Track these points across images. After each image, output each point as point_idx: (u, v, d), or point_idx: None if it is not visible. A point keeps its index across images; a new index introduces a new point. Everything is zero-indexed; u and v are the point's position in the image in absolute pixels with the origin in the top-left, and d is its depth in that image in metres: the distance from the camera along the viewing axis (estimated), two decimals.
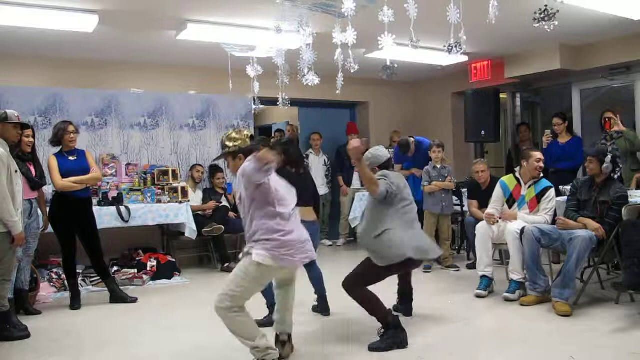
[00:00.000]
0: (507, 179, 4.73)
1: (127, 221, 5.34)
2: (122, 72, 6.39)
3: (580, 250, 3.94)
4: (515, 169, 4.77)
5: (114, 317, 4.30)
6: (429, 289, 4.87)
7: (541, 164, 4.54)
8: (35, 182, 4.30)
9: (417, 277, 5.43)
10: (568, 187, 4.76)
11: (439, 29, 3.67)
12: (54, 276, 5.16)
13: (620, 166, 5.06)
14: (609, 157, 4.22)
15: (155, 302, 4.75)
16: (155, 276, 5.53)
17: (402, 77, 7.34)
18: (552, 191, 4.53)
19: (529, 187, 4.58)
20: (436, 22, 3.62)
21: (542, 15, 2.96)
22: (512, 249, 4.38)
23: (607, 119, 5.44)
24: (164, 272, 5.61)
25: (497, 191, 4.73)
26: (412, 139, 6.02)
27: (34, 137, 4.37)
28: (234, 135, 3.14)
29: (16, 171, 3.71)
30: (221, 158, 3.28)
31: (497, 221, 4.59)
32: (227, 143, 3.12)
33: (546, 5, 2.95)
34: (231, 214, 6.17)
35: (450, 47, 3.24)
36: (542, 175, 4.61)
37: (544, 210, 4.48)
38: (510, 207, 4.65)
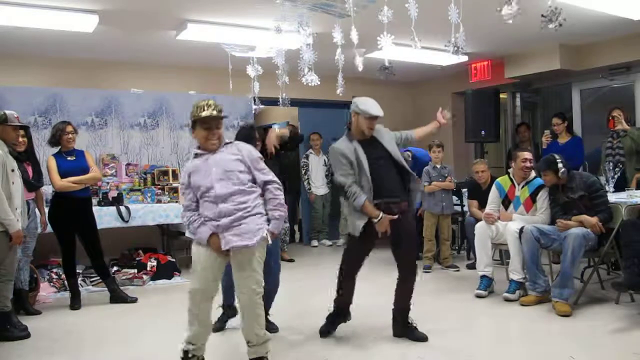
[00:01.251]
0: (502, 180, 4.73)
1: (127, 221, 5.34)
2: (122, 72, 6.39)
3: (574, 248, 3.94)
4: (509, 170, 4.77)
5: (114, 317, 4.30)
6: (429, 289, 4.87)
7: (527, 164, 4.53)
8: (31, 184, 4.29)
9: (417, 277, 5.44)
10: None
11: (438, 28, 3.68)
12: (54, 276, 5.16)
13: (620, 166, 5.05)
14: (559, 163, 4.21)
15: (155, 302, 4.75)
16: (155, 276, 5.53)
17: (402, 77, 7.33)
18: (546, 189, 4.52)
19: (522, 187, 4.59)
20: (436, 22, 3.62)
21: (548, 18, 2.94)
22: (512, 249, 4.37)
23: (611, 117, 5.42)
24: (164, 272, 5.61)
25: (493, 192, 4.74)
26: (409, 154, 5.72)
27: (29, 137, 4.37)
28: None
29: (13, 170, 3.70)
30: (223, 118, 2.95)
31: (496, 220, 4.60)
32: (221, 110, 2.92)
33: (550, 6, 2.94)
34: None
35: (454, 48, 3.24)
36: (534, 174, 4.62)
37: (540, 209, 4.49)
38: (506, 208, 4.65)
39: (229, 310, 3.81)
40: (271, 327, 3.66)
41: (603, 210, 4.10)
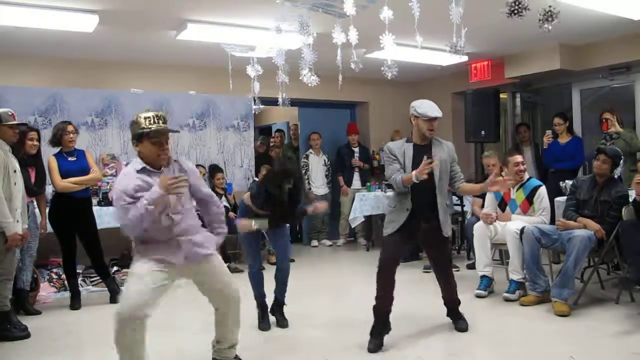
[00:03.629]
0: None
1: None
2: (122, 72, 6.39)
3: (578, 250, 3.95)
4: (502, 174, 4.75)
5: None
6: (429, 289, 4.86)
7: (520, 167, 4.54)
8: (32, 191, 4.27)
9: (417, 277, 5.46)
10: (569, 182, 4.75)
11: (438, 28, 3.68)
12: (54, 276, 5.16)
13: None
14: (622, 161, 4.23)
15: None
16: None
17: (402, 77, 7.31)
18: (542, 189, 4.53)
19: (517, 189, 4.59)
20: (436, 22, 3.62)
21: (545, 17, 2.95)
22: (512, 248, 4.38)
23: (604, 120, 5.45)
24: None
25: (490, 195, 4.75)
26: None
27: (39, 140, 4.36)
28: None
29: (15, 171, 3.68)
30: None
31: (494, 220, 4.60)
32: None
33: (550, 6, 2.95)
34: (231, 214, 6.16)
35: (453, 48, 3.24)
36: (527, 176, 4.62)
37: (539, 210, 4.49)
38: (502, 211, 4.66)
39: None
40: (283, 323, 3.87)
41: (610, 223, 4.09)
